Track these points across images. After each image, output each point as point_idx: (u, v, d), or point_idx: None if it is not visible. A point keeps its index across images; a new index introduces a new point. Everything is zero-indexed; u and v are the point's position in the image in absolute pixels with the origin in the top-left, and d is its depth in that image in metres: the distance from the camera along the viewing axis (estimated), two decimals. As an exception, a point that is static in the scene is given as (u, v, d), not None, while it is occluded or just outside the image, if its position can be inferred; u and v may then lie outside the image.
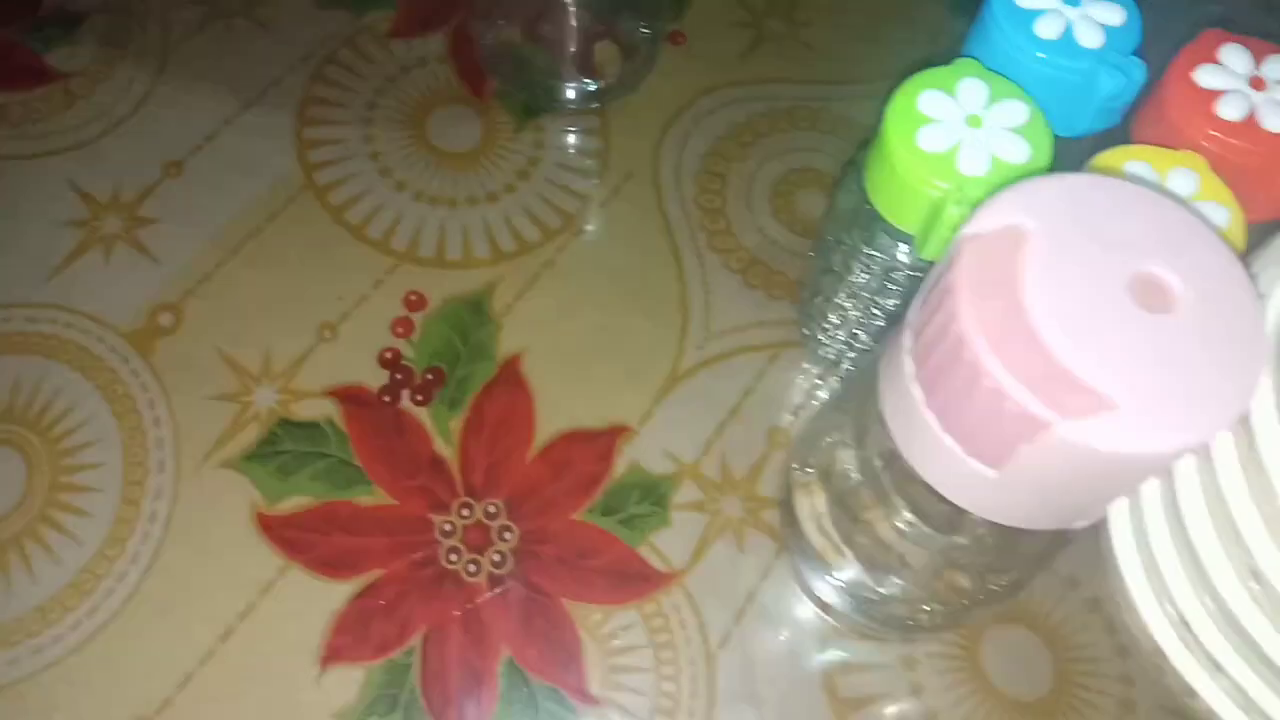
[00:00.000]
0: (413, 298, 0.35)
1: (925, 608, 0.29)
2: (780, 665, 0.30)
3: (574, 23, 0.38)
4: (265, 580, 0.30)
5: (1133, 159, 0.25)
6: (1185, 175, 0.25)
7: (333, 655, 0.29)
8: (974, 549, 0.26)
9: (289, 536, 0.31)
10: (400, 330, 0.34)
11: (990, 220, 0.19)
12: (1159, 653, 0.24)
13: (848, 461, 0.27)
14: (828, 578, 0.30)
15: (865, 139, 0.28)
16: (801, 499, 0.29)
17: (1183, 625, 0.23)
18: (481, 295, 0.35)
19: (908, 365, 0.21)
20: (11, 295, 0.34)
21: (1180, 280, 0.19)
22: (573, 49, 0.39)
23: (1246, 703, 0.23)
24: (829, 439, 0.28)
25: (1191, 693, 0.24)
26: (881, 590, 0.29)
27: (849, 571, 0.29)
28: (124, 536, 0.31)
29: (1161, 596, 0.23)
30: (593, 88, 0.38)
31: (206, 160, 0.37)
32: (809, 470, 0.29)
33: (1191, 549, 0.22)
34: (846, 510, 0.28)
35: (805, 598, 0.31)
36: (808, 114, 0.39)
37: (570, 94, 0.39)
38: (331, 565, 0.31)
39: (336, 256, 0.35)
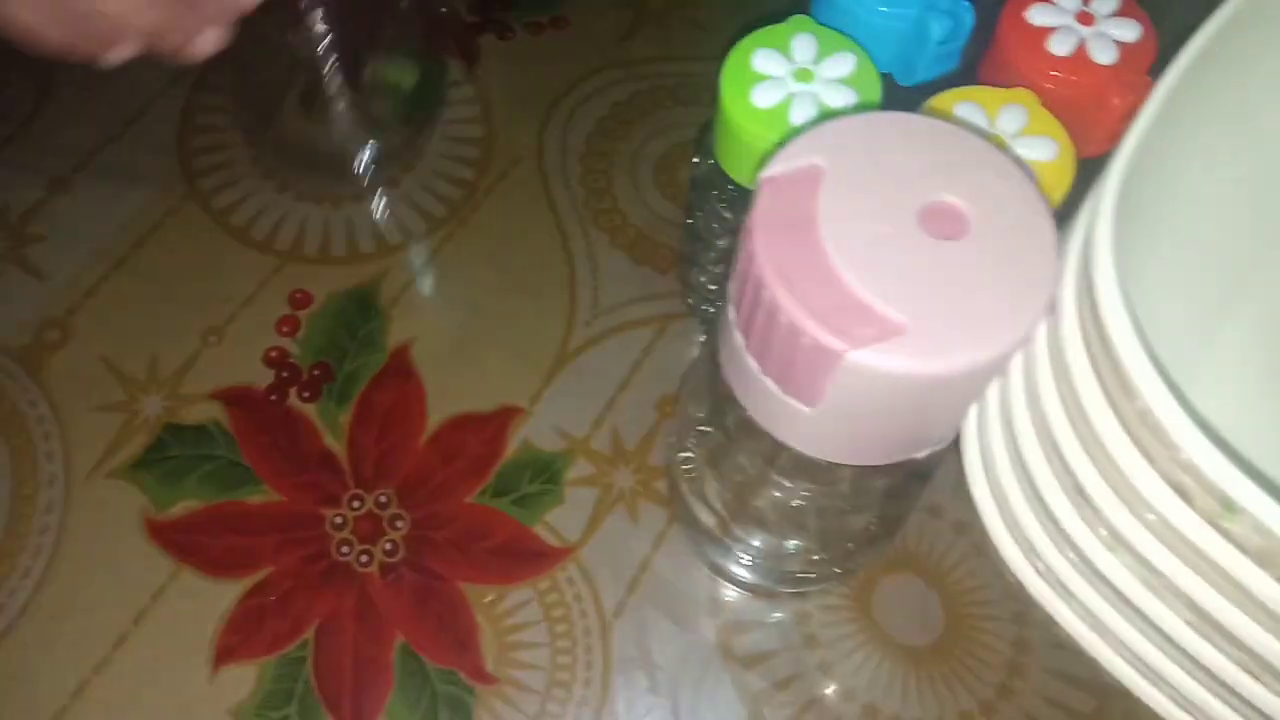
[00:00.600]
0: (298, 296, 0.35)
1: (814, 557, 0.29)
2: (675, 630, 0.30)
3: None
4: (157, 585, 0.30)
5: (963, 100, 0.25)
6: (1015, 111, 0.25)
7: (225, 654, 0.29)
8: (841, 493, 0.26)
9: (179, 540, 0.31)
10: (286, 329, 0.34)
11: (787, 162, 0.20)
12: (1017, 583, 0.24)
13: (713, 429, 0.27)
14: (718, 544, 0.30)
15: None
16: (683, 476, 0.30)
17: (1031, 551, 0.23)
18: (368, 289, 0.35)
19: (730, 313, 0.21)
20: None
21: (971, 207, 0.19)
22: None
23: (1097, 624, 0.23)
24: (697, 412, 0.28)
25: (1050, 620, 0.24)
26: (764, 547, 0.29)
27: (736, 534, 0.29)
28: (14, 552, 0.31)
29: (1011, 525, 0.24)
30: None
31: (92, 176, 0.37)
32: (688, 451, 0.29)
33: (1026, 469, 0.22)
34: (724, 478, 0.28)
35: (699, 563, 0.31)
36: (690, 89, 0.40)
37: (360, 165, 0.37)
38: (222, 566, 0.31)
39: (221, 261, 0.35)
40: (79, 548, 0.31)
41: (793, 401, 0.20)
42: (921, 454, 0.22)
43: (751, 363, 0.21)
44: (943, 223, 0.19)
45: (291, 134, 0.35)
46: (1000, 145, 0.25)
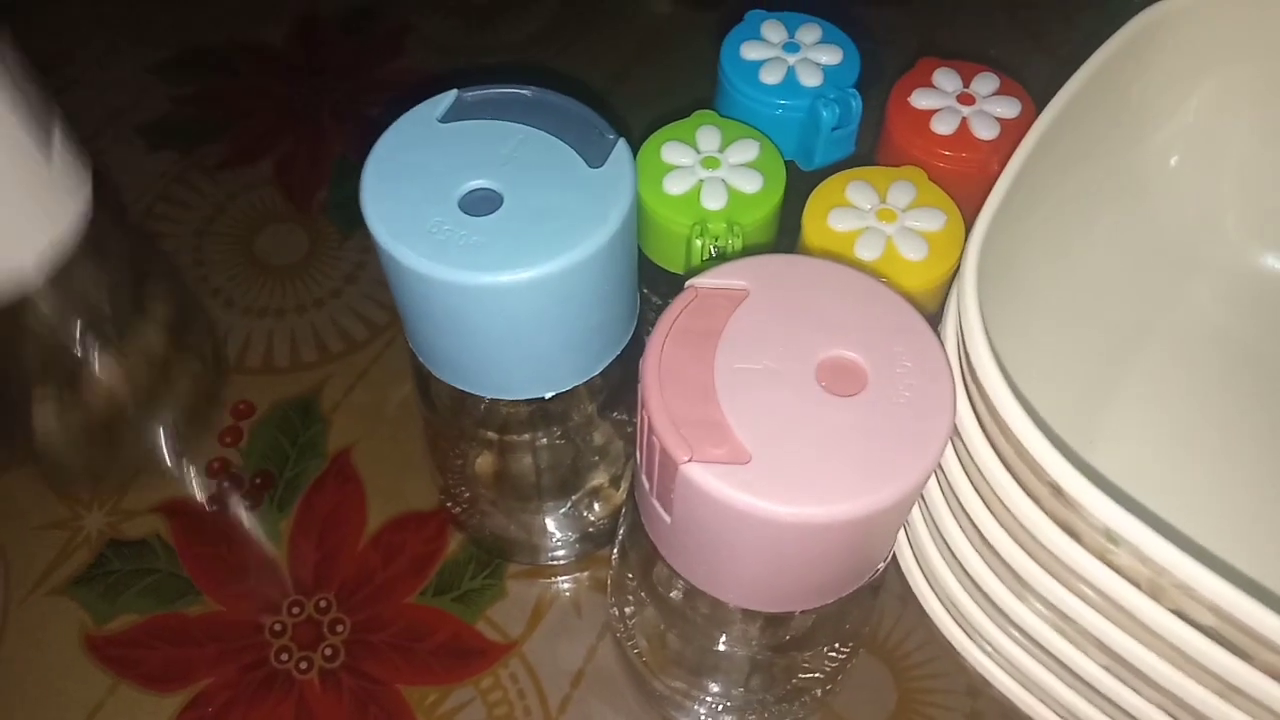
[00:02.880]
0: (241, 406, 0.35)
1: (790, 706, 0.28)
2: (621, 722, 0.30)
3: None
4: (95, 701, 0.30)
5: (855, 179, 0.27)
6: (904, 187, 0.27)
7: (161, 771, 0.29)
8: (786, 637, 0.25)
9: (117, 655, 0.30)
10: (229, 439, 0.35)
11: (717, 278, 0.20)
12: (949, 644, 0.24)
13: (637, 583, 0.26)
14: (686, 712, 0.29)
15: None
16: (625, 639, 0.28)
17: (955, 608, 0.23)
18: (310, 396, 0.36)
19: (636, 455, 0.21)
20: None
21: (873, 371, 0.19)
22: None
23: (1024, 678, 0.23)
24: (630, 580, 0.27)
25: (984, 682, 0.24)
26: (719, 693, 0.28)
27: (689, 692, 0.28)
28: (-53, 677, 0.30)
29: (934, 584, 0.24)
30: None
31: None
32: (629, 615, 0.28)
33: (942, 530, 0.22)
34: (674, 634, 0.27)
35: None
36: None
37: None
38: (161, 679, 0.30)
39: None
40: (17, 666, 0.30)
41: (657, 507, 0.20)
42: (796, 606, 0.21)
43: (638, 457, 0.21)
44: (839, 378, 0.19)
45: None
46: (891, 220, 0.26)
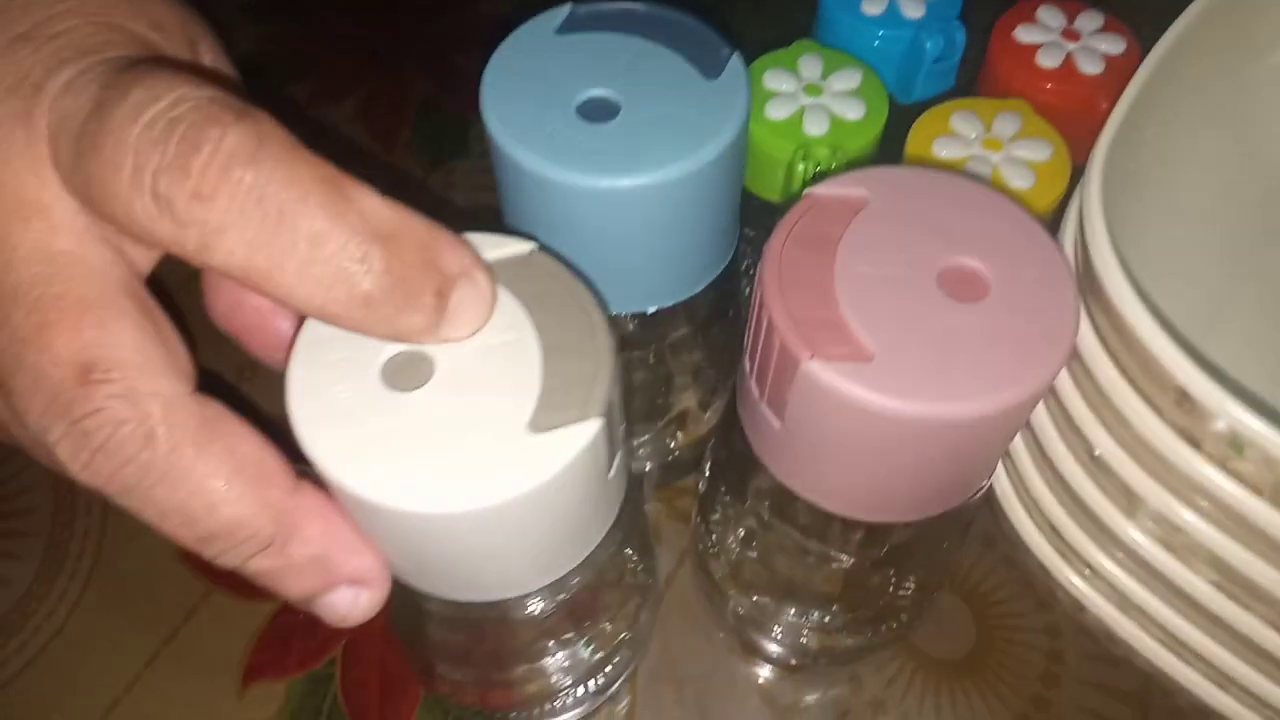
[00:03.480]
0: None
1: (867, 633, 0.28)
2: (701, 641, 0.30)
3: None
4: (188, 605, 0.31)
5: (960, 110, 0.27)
6: (1010, 118, 0.26)
7: (255, 672, 0.30)
8: (881, 553, 0.25)
9: (210, 562, 0.31)
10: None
11: (835, 186, 0.20)
12: (1043, 570, 0.24)
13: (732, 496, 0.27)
14: (763, 632, 0.29)
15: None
16: (709, 553, 0.29)
17: (1053, 532, 0.23)
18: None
19: (745, 361, 0.21)
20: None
21: (995, 277, 0.19)
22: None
23: (1123, 601, 0.23)
24: (723, 494, 0.27)
25: (1079, 607, 0.24)
26: (815, 628, 0.28)
27: (766, 609, 0.28)
28: (52, 576, 0.31)
29: (1032, 510, 0.24)
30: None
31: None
32: (715, 534, 0.28)
33: (1046, 450, 0.22)
34: (760, 558, 0.27)
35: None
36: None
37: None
38: (252, 586, 0.31)
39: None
40: (114, 571, 0.31)
41: (767, 412, 0.20)
42: (901, 517, 0.21)
43: (745, 364, 0.21)
44: (961, 285, 0.19)
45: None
46: (998, 149, 0.26)
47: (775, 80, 0.27)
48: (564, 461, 0.17)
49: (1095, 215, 0.19)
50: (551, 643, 0.26)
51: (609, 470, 0.19)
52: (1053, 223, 0.25)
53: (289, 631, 0.30)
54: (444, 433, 0.17)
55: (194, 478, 0.16)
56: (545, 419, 0.17)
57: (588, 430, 0.17)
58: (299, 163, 0.16)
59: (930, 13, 0.28)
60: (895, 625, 0.27)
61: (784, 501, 0.24)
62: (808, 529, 0.24)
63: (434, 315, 0.17)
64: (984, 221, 0.20)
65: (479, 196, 0.40)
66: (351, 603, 0.18)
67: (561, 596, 0.22)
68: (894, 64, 0.29)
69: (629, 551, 0.25)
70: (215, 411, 0.17)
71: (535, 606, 0.22)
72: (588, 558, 0.21)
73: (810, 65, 0.28)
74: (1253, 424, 0.17)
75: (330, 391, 0.17)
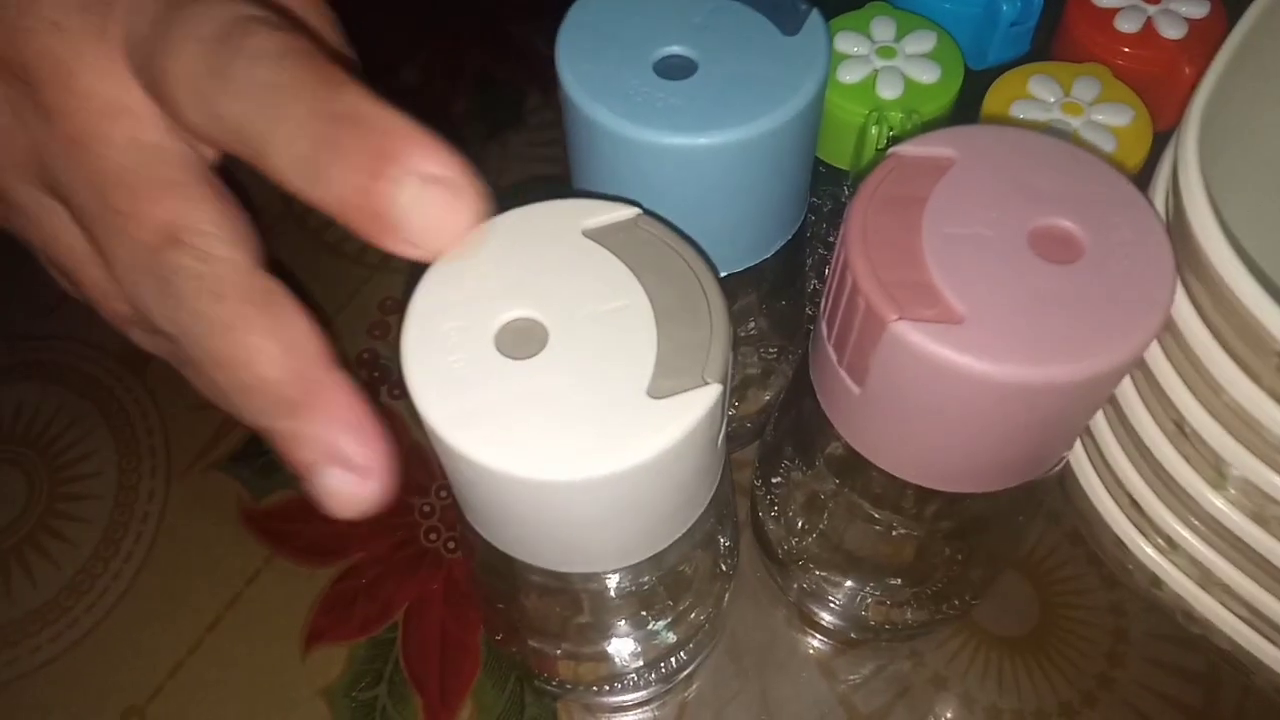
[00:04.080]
0: (388, 303, 0.36)
1: (931, 608, 0.27)
2: (759, 617, 0.30)
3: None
4: (251, 570, 0.31)
5: (1038, 74, 0.26)
6: (1089, 82, 0.26)
7: (317, 636, 0.30)
8: (926, 523, 0.25)
9: (273, 528, 0.32)
10: (377, 333, 0.36)
11: (920, 146, 0.20)
12: (1118, 544, 0.24)
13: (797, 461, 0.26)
14: (823, 604, 0.29)
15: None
16: (770, 516, 0.28)
17: (1132, 505, 0.23)
18: (454, 295, 0.36)
19: (821, 326, 0.21)
20: (15, 329, 0.36)
21: (1088, 238, 0.18)
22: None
23: (1203, 576, 0.22)
24: (788, 461, 0.27)
25: (1156, 582, 0.24)
26: (855, 588, 0.28)
27: (841, 590, 0.28)
28: (118, 538, 0.32)
29: (1110, 483, 0.23)
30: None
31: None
32: (775, 487, 0.28)
33: (1128, 418, 0.22)
34: (826, 528, 0.27)
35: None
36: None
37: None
38: (314, 552, 0.31)
39: (316, 272, 0.37)
40: (178, 535, 0.32)
41: (846, 378, 0.20)
42: (981, 487, 0.21)
43: (823, 329, 0.21)
44: (1053, 246, 0.18)
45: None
46: (1078, 113, 0.25)
47: (847, 43, 0.27)
48: (686, 427, 0.17)
49: (1192, 172, 0.19)
50: (636, 619, 0.25)
51: (719, 436, 0.19)
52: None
53: (351, 596, 0.30)
54: (561, 399, 0.17)
55: (249, 335, 0.18)
56: (664, 385, 0.17)
57: (708, 395, 0.17)
58: (312, 67, 0.18)
59: (1006, -25, 0.28)
60: (959, 602, 0.27)
61: (855, 471, 0.24)
62: (880, 498, 0.24)
63: (366, 179, 0.17)
64: (1075, 181, 0.19)
65: (533, 167, 0.40)
66: (347, 488, 0.19)
67: (660, 569, 0.22)
68: (969, 28, 0.28)
69: (720, 530, 0.25)
70: (276, 286, 0.19)
71: (635, 579, 0.22)
72: (690, 529, 0.20)
73: (883, 27, 0.27)
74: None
75: (445, 359, 0.17)
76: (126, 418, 0.34)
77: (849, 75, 0.26)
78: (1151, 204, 0.19)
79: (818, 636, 0.30)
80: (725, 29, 0.22)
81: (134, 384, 0.35)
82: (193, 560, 0.31)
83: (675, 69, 0.22)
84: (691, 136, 0.20)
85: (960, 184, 0.19)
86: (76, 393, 0.35)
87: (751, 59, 0.21)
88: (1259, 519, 0.20)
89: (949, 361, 0.17)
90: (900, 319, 0.17)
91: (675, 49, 0.22)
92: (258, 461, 0.33)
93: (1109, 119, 0.25)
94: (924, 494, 0.22)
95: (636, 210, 0.19)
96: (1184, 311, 0.19)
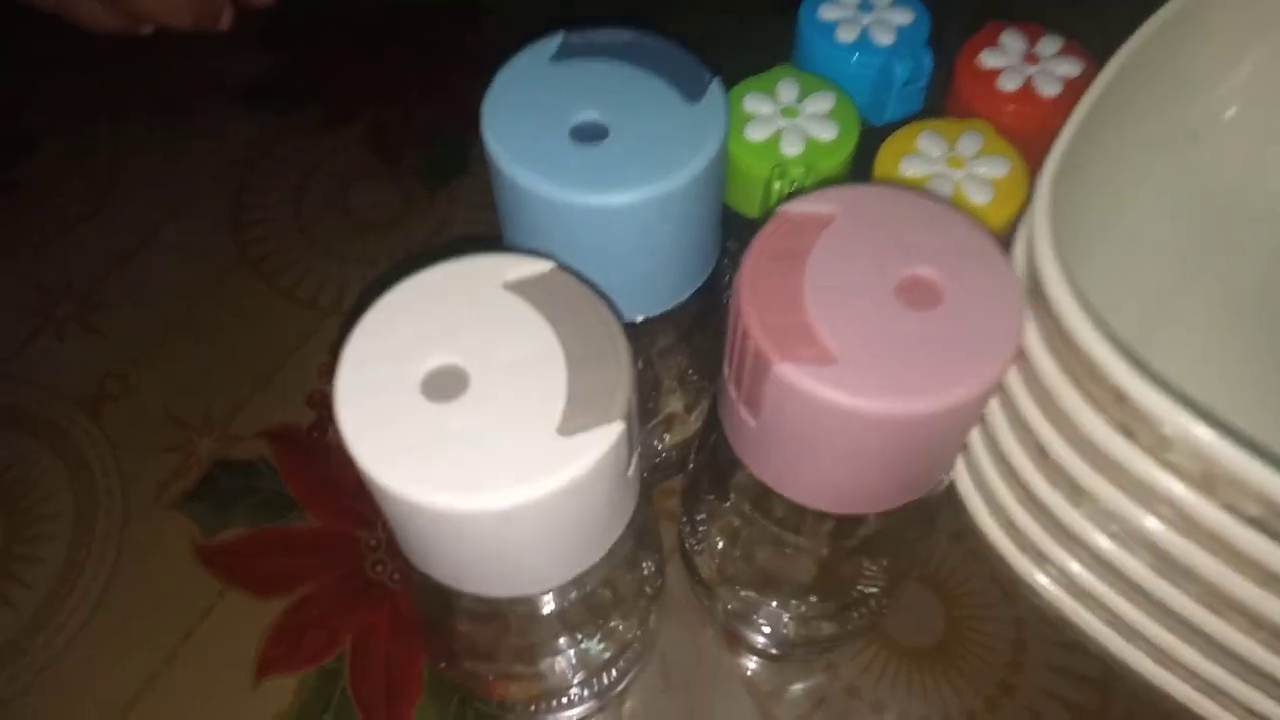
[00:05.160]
0: (338, 346, 0.38)
1: (843, 620, 0.30)
2: (687, 634, 0.32)
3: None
4: (205, 605, 0.32)
5: (926, 130, 0.29)
6: (972, 137, 0.28)
7: (268, 667, 0.31)
8: (852, 543, 0.27)
9: (226, 563, 0.33)
10: (327, 375, 0.37)
11: (804, 204, 0.22)
12: (1000, 560, 0.26)
13: (714, 495, 0.28)
14: (747, 622, 0.31)
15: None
16: (694, 550, 0.31)
17: (1009, 524, 0.25)
18: (401, 337, 0.38)
19: (724, 365, 0.23)
20: (-26, 376, 0.38)
21: (948, 287, 0.20)
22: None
23: (1072, 586, 0.24)
24: (706, 492, 0.29)
25: (1035, 594, 0.26)
26: (776, 609, 0.30)
27: (748, 600, 0.30)
28: (74, 578, 0.33)
29: (990, 503, 0.26)
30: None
31: (152, 250, 0.41)
32: (699, 524, 0.30)
33: (998, 446, 0.24)
34: (727, 542, 0.29)
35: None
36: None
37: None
38: (266, 585, 0.33)
39: (269, 318, 0.39)
40: (134, 572, 0.33)
41: (743, 411, 0.22)
42: (868, 509, 0.23)
43: (725, 368, 0.23)
44: (917, 293, 0.20)
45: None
46: (960, 166, 0.28)
47: (755, 103, 0.29)
48: (591, 461, 0.19)
49: (1041, 226, 0.21)
50: (567, 639, 0.27)
51: (628, 469, 0.21)
52: (1010, 235, 0.27)
53: (301, 628, 0.32)
54: (480, 438, 0.19)
55: None
56: (572, 423, 0.19)
57: (611, 433, 0.19)
58: None
59: (900, 40, 0.30)
60: (868, 612, 0.29)
61: (762, 497, 0.26)
62: (784, 522, 0.26)
63: None
64: (939, 235, 0.21)
65: (480, 214, 0.42)
66: None
67: (583, 591, 0.24)
68: (867, 87, 0.31)
69: (642, 555, 0.27)
70: None
71: (559, 601, 0.24)
72: (609, 552, 0.22)
73: (788, 89, 0.30)
74: (1182, 418, 0.19)
75: (374, 404, 0.19)
76: (84, 460, 0.36)
77: (756, 134, 0.29)
78: (1005, 254, 0.21)
79: (743, 653, 0.32)
80: (635, 96, 0.24)
81: (90, 427, 0.36)
82: (149, 597, 0.33)
83: (590, 133, 0.24)
84: (603, 196, 0.23)
85: (838, 238, 0.22)
86: (34, 436, 0.36)
87: (658, 124, 0.24)
88: (1112, 535, 0.22)
89: (825, 398, 0.19)
90: (783, 361, 0.20)
91: (590, 115, 0.24)
92: (211, 500, 0.34)
93: (988, 171, 0.28)
94: (821, 516, 0.25)
95: (552, 264, 0.22)
96: (1037, 350, 0.21)
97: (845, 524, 0.25)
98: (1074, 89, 0.30)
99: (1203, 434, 0.19)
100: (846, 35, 0.30)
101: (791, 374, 0.20)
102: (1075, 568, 0.24)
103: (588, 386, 0.20)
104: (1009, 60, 0.30)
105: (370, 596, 0.32)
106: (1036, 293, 0.21)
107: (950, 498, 0.26)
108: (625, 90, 0.24)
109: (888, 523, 0.25)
